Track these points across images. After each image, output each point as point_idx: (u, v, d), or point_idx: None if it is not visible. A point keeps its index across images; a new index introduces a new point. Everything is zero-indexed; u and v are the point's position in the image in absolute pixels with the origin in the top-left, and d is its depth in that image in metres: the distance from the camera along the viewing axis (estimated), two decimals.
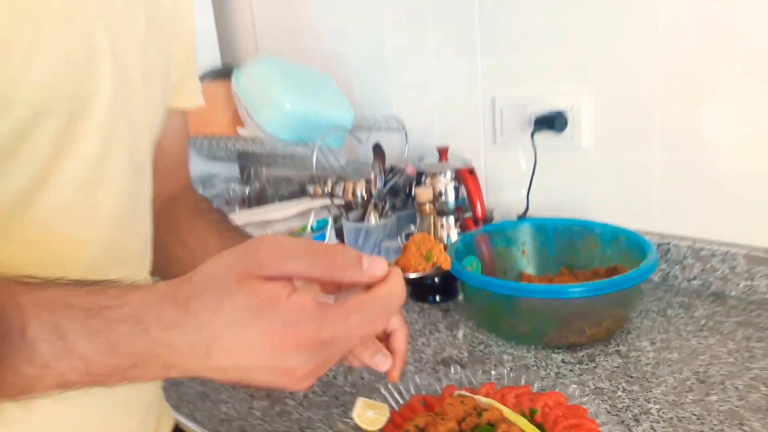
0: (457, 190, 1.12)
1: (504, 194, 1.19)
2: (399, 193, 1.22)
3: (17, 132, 0.41)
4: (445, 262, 0.53)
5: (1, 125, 0.40)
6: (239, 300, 0.37)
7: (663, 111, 0.95)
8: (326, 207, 1.25)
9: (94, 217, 0.49)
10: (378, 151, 1.21)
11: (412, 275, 0.53)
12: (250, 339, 0.37)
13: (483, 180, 1.18)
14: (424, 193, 1.03)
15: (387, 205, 1.18)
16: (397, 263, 0.53)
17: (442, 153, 1.16)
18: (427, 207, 1.02)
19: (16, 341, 0.35)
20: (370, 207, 1.18)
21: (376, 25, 1.31)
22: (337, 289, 0.44)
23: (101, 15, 0.46)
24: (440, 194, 1.12)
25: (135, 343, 0.36)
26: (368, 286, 0.40)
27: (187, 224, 0.68)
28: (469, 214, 1.11)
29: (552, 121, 1.04)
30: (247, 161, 1.52)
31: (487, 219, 1.10)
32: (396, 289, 0.41)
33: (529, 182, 1.08)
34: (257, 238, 0.39)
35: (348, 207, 1.24)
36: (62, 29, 0.42)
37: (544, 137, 1.06)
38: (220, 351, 0.37)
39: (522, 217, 1.09)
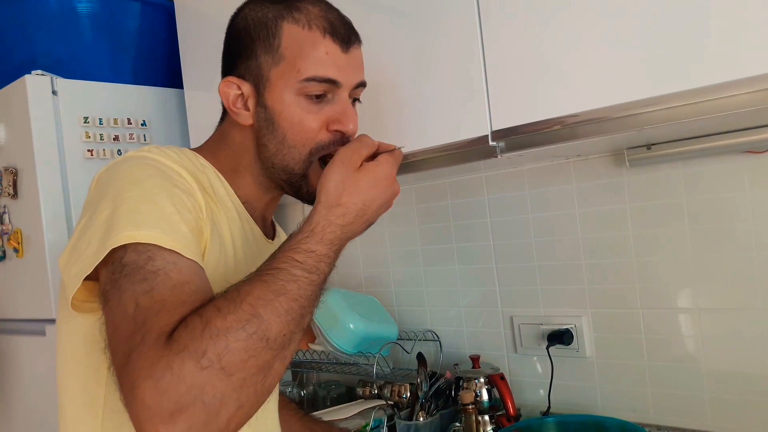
0: (489, 392, 1.39)
1: (525, 395, 1.46)
2: (441, 395, 1.48)
3: None
4: None
5: None
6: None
7: (644, 322, 1.28)
8: (381, 407, 1.51)
9: None
10: (421, 359, 1.50)
11: None
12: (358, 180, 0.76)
13: (508, 382, 1.45)
14: (466, 396, 1.31)
15: (432, 405, 1.44)
16: None
17: (475, 361, 1.45)
18: (470, 408, 1.29)
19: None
20: (417, 407, 1.44)
21: (411, 255, 1.68)
22: None
23: None
24: (476, 396, 1.39)
25: (326, 231, 0.73)
26: None
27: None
28: (501, 413, 1.37)
29: (561, 336, 1.35)
30: (299, 367, 1.79)
31: (517, 417, 1.36)
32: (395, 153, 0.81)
33: (549, 385, 1.37)
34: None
35: (396, 407, 1.50)
36: None
37: (557, 349, 1.37)
38: (356, 189, 0.75)
39: (545, 414, 1.35)
